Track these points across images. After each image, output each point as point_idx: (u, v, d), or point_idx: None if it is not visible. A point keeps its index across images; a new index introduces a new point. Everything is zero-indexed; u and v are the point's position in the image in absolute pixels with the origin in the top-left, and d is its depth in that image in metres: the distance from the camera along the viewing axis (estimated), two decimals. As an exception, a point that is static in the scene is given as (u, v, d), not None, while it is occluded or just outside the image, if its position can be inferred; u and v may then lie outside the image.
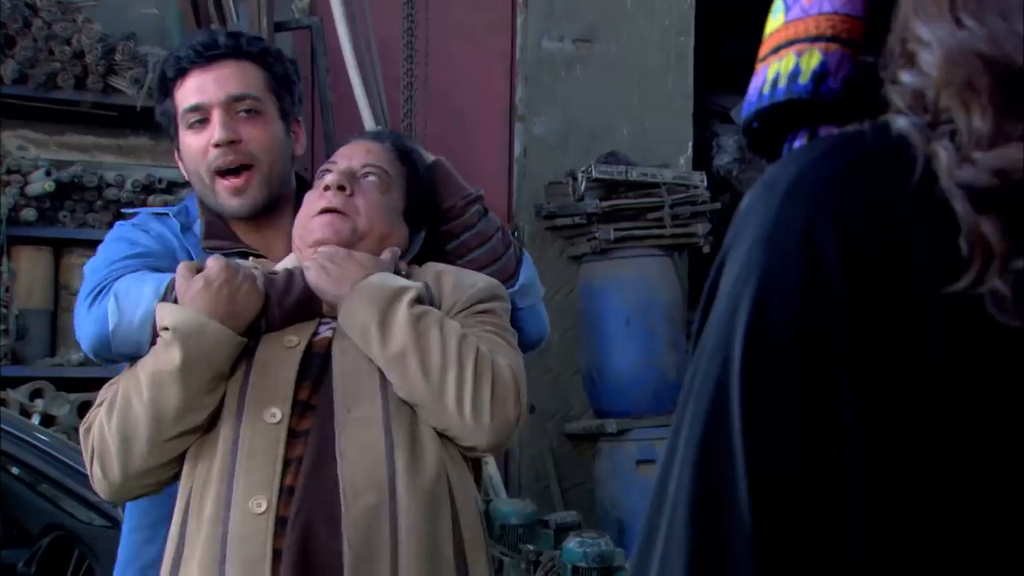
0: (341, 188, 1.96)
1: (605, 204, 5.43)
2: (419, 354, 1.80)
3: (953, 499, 0.70)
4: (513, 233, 5.42)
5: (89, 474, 1.89)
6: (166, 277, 1.91)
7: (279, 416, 1.80)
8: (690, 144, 6.04)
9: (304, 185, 2.09)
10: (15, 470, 3.44)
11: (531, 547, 4.12)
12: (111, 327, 1.90)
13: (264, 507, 1.75)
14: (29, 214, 4.61)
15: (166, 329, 1.82)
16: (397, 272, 1.92)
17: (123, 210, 2.36)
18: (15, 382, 4.53)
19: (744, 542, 0.70)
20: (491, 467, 4.81)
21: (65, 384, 4.54)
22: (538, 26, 5.82)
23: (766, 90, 0.85)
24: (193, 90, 2.04)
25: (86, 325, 1.95)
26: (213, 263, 1.86)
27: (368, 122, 4.72)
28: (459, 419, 1.80)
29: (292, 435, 1.80)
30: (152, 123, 2.25)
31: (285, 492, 1.76)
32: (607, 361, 5.39)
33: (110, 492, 1.88)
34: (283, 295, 1.88)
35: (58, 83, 4.64)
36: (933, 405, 0.70)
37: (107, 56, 4.64)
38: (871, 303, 0.70)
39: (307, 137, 2.23)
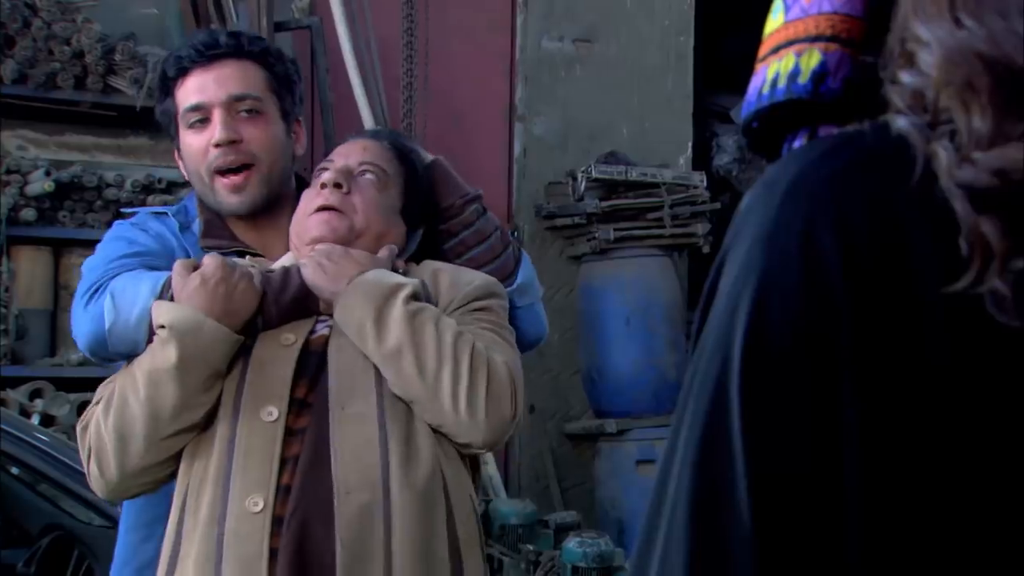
0: (338, 186, 1.96)
1: (605, 204, 5.43)
2: (414, 351, 1.80)
3: (953, 499, 0.70)
4: (513, 233, 5.45)
5: (86, 472, 1.89)
6: (163, 275, 1.91)
7: (276, 415, 1.80)
8: (690, 144, 6.04)
9: (303, 185, 2.09)
10: (15, 470, 3.44)
11: (531, 547, 4.12)
12: (107, 325, 1.90)
13: (261, 506, 1.75)
14: (29, 214, 4.61)
15: (162, 327, 1.82)
16: (394, 270, 1.92)
17: (122, 210, 2.36)
18: (15, 382, 4.53)
19: (744, 542, 0.70)
20: (491, 467, 4.81)
21: (65, 384, 4.55)
22: (538, 26, 5.82)
23: (766, 90, 0.85)
24: (194, 90, 2.04)
25: (82, 323, 1.95)
26: (209, 261, 1.86)
27: (368, 122, 4.72)
28: (454, 416, 1.80)
29: (289, 433, 1.80)
30: (152, 123, 2.25)
31: (282, 491, 1.77)
32: (607, 361, 5.39)
33: (107, 490, 1.88)
34: (280, 293, 1.88)
35: (58, 83, 4.64)
36: (933, 405, 0.70)
37: (107, 56, 4.64)
38: (871, 303, 0.70)
39: (307, 137, 2.23)
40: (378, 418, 1.81)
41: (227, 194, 2.04)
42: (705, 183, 5.69)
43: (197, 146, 2.04)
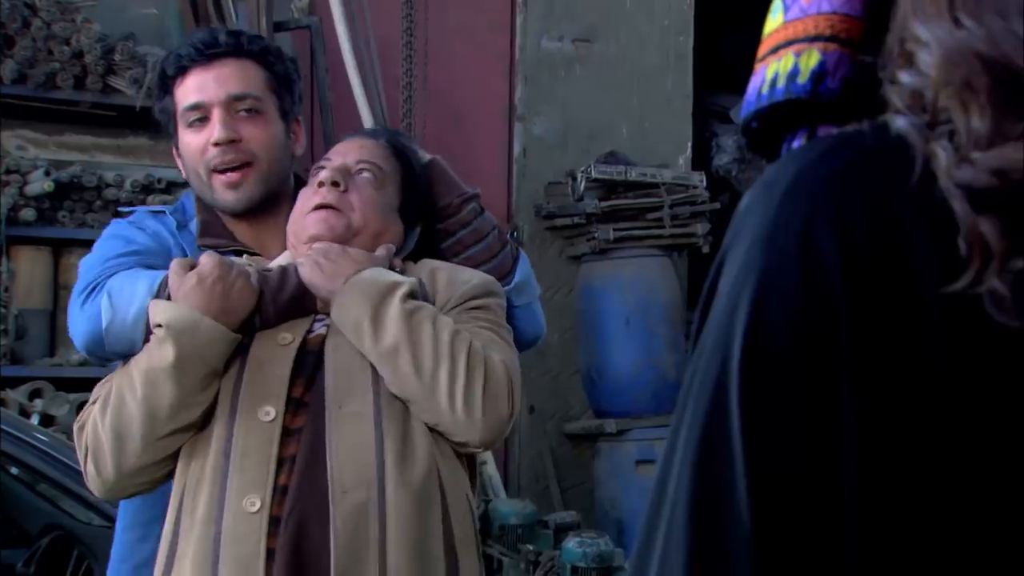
0: (335, 184, 1.96)
1: (604, 204, 5.43)
2: (411, 349, 1.80)
3: (952, 499, 0.70)
4: (513, 233, 5.46)
5: (83, 472, 1.88)
6: (160, 274, 1.90)
7: (273, 414, 1.80)
8: (689, 144, 6.04)
9: (302, 185, 2.09)
10: (14, 470, 3.44)
11: (530, 547, 4.12)
12: (104, 325, 1.89)
13: (258, 506, 1.75)
14: (28, 214, 4.61)
15: (159, 326, 1.82)
16: (392, 268, 1.92)
17: (120, 208, 2.35)
18: (14, 382, 4.53)
19: (743, 542, 0.70)
20: (490, 467, 4.81)
21: (64, 384, 4.55)
22: (537, 26, 5.82)
23: (765, 90, 0.85)
24: (193, 88, 2.04)
25: (79, 323, 1.94)
26: (206, 260, 1.86)
27: (367, 122, 4.72)
28: (451, 414, 1.80)
29: (286, 433, 1.80)
30: (151, 123, 2.25)
31: (279, 491, 1.76)
32: (606, 361, 5.39)
33: (104, 490, 1.88)
34: (277, 292, 1.88)
35: (57, 83, 4.64)
36: (932, 405, 0.69)
37: (106, 56, 4.64)
38: (870, 303, 0.70)
39: (307, 137, 2.23)
40: (374, 417, 1.81)
41: (224, 190, 2.04)
42: (705, 183, 5.69)
43: (196, 145, 2.04)
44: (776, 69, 0.85)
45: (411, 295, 1.84)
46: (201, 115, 2.04)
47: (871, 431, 0.70)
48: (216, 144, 2.02)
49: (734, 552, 0.71)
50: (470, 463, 1.94)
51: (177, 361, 1.79)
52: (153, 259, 2.00)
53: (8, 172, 4.63)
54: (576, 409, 5.69)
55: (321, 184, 1.96)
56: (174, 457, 1.85)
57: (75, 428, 1.90)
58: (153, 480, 1.89)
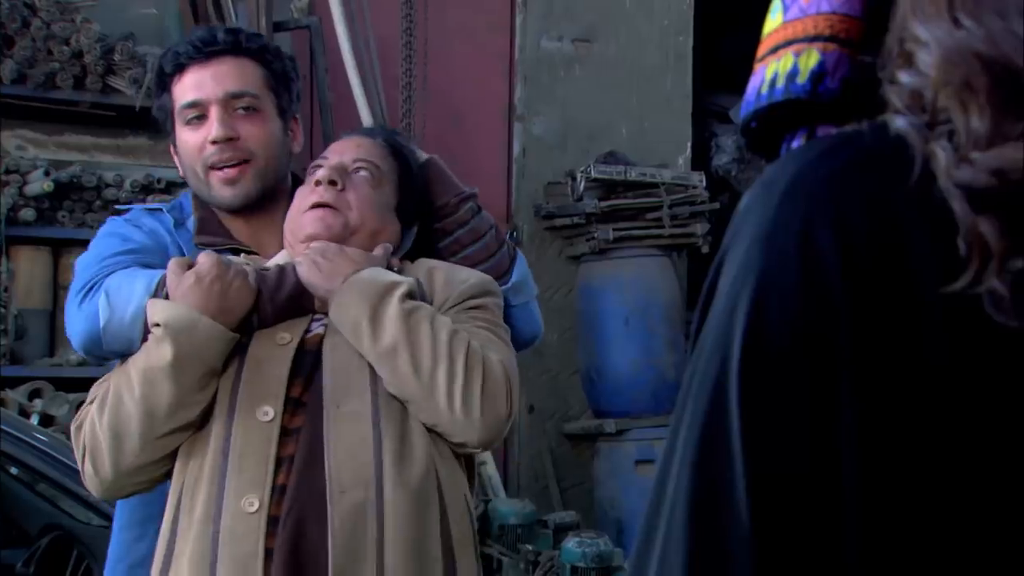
0: (332, 183, 1.96)
1: (604, 204, 5.43)
2: (409, 349, 1.80)
3: (952, 499, 0.69)
4: (512, 233, 5.46)
5: (81, 471, 1.88)
6: (157, 273, 1.90)
7: (271, 414, 1.80)
8: (689, 144, 6.04)
9: (299, 183, 2.09)
10: (14, 470, 3.43)
11: (530, 547, 4.12)
12: (102, 324, 1.89)
13: (256, 506, 1.75)
14: (28, 214, 4.61)
15: (157, 325, 1.82)
16: (389, 268, 1.92)
17: (117, 207, 2.35)
18: (14, 382, 4.53)
19: (743, 542, 0.70)
20: (490, 467, 4.81)
21: (64, 384, 4.55)
22: (537, 26, 5.82)
23: (764, 90, 0.85)
24: (191, 86, 2.04)
25: (77, 322, 1.94)
26: (204, 259, 1.86)
27: (367, 122, 4.71)
28: (449, 415, 1.80)
29: (284, 433, 1.80)
30: (151, 123, 2.25)
31: (277, 491, 1.76)
32: (606, 361, 5.39)
33: (102, 489, 1.88)
34: (275, 291, 1.88)
35: (57, 83, 4.64)
36: (931, 405, 0.69)
37: (106, 56, 4.64)
38: (869, 303, 0.70)
39: (306, 137, 2.23)
40: (372, 417, 1.80)
41: (221, 187, 2.04)
42: (704, 183, 5.69)
43: (194, 143, 2.04)
44: (775, 69, 0.85)
45: (409, 295, 1.84)
46: (199, 113, 2.04)
47: (871, 431, 0.70)
48: (214, 142, 2.02)
49: (734, 552, 0.71)
50: (468, 464, 1.94)
51: (175, 360, 1.79)
52: (150, 257, 2.00)
53: (8, 172, 4.63)
54: (575, 409, 5.69)
55: (318, 183, 1.96)
56: (172, 456, 1.85)
57: (72, 428, 1.90)
58: (151, 479, 1.89)
